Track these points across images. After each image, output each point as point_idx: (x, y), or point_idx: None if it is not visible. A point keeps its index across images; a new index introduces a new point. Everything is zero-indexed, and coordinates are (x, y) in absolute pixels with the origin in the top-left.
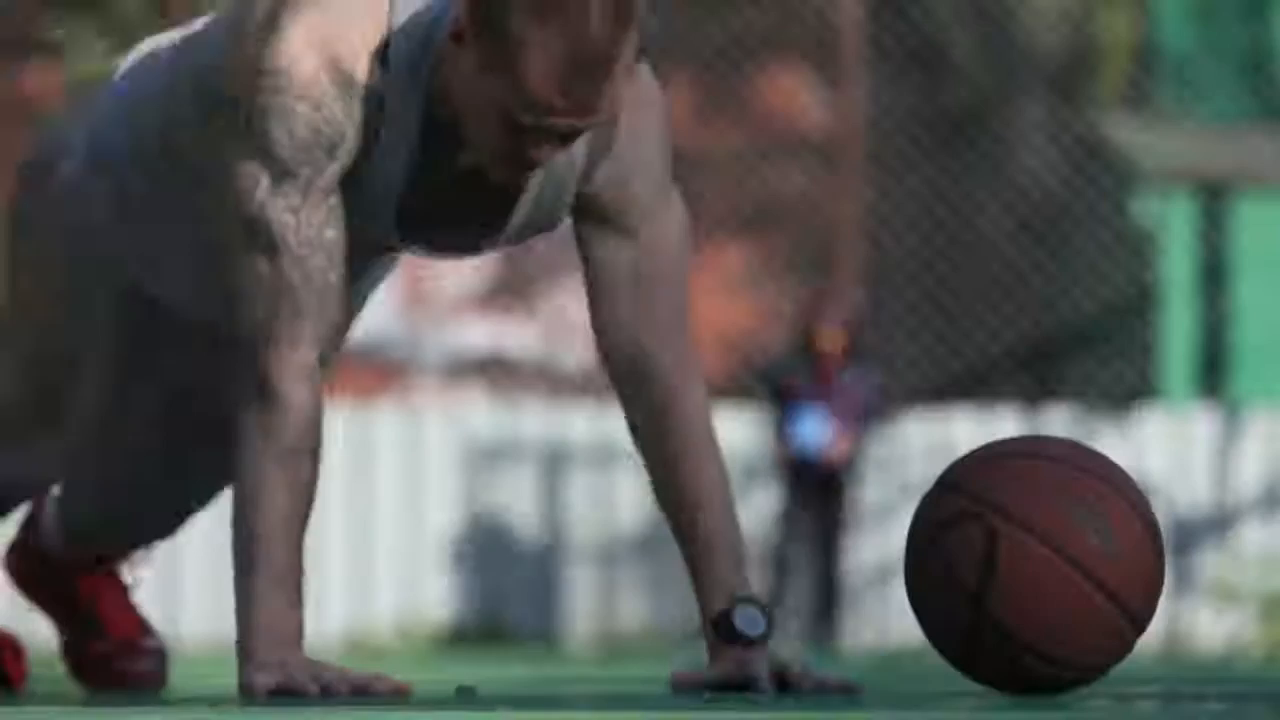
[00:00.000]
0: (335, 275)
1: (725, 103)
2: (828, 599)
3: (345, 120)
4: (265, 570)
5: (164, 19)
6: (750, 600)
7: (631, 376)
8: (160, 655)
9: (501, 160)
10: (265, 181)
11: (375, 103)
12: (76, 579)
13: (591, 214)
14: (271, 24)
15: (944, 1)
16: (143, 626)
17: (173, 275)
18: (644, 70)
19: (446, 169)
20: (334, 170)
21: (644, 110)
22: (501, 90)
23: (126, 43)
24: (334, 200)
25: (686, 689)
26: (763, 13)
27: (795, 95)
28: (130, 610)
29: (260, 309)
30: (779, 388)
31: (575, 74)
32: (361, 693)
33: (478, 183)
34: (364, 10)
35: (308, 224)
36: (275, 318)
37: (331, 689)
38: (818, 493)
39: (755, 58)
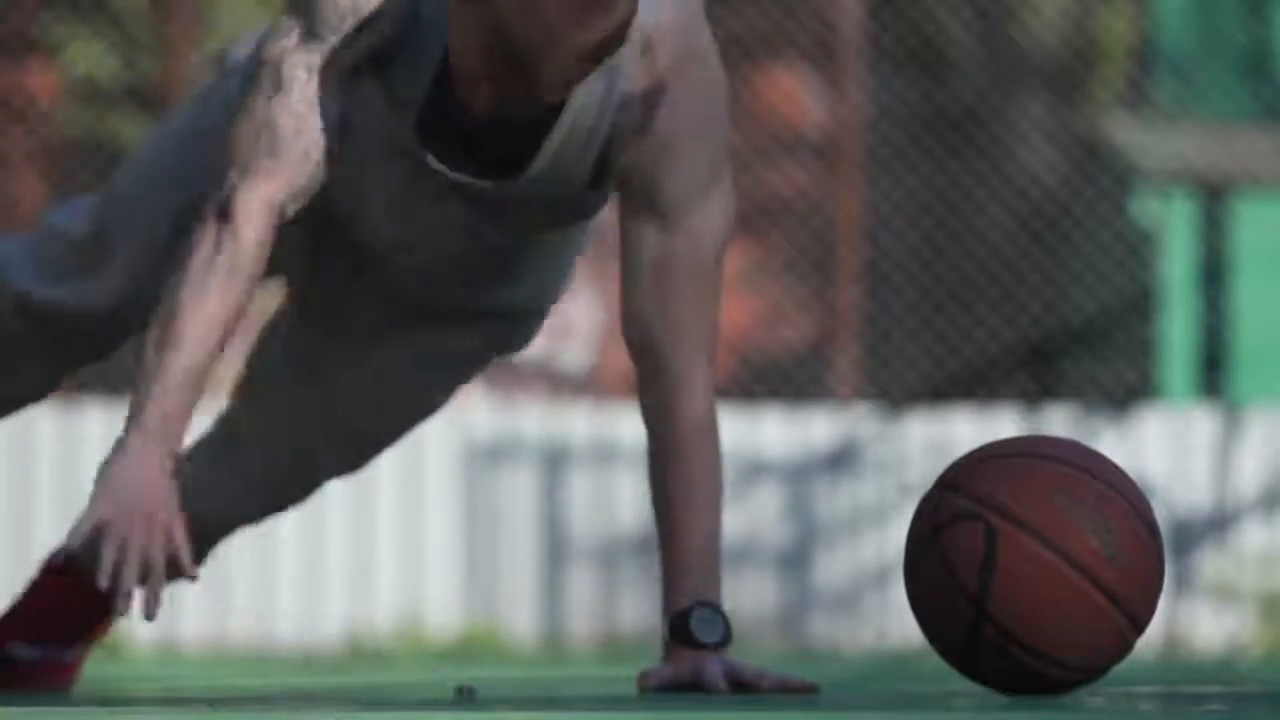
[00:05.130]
0: (320, 149)
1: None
2: None
3: (383, 2)
4: (171, 373)
5: (164, 19)
6: (710, 605)
7: (643, 362)
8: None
9: (462, 96)
10: (294, 36)
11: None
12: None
13: (625, 192)
14: None
15: (944, 1)
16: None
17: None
18: (705, 56)
19: (461, 96)
20: (361, 48)
21: (694, 95)
22: (460, 31)
23: (125, 42)
24: (354, 83)
25: (646, 689)
26: (762, 12)
27: (795, 95)
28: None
29: (244, 139)
30: None
31: (516, 48)
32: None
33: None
34: None
35: (319, 89)
36: (255, 150)
37: (141, 551)
38: None
39: (755, 57)
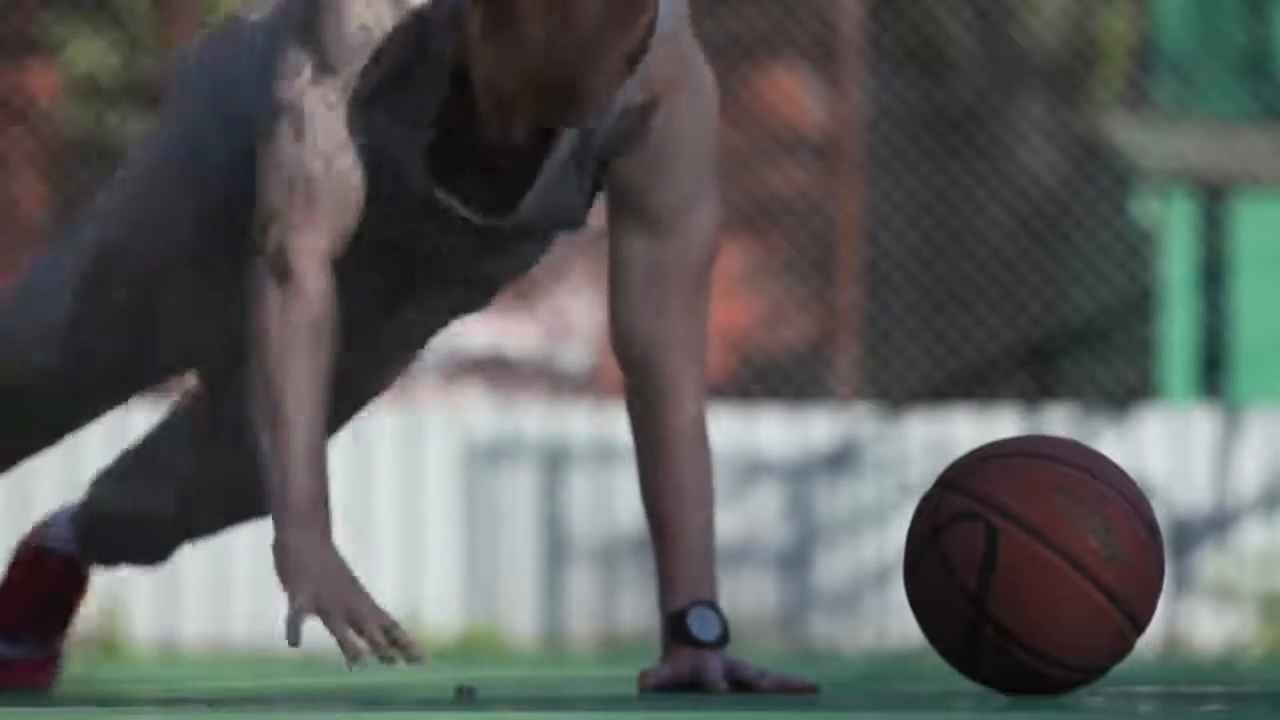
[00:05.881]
0: (356, 181)
1: (725, 102)
2: None
3: (394, 29)
4: (295, 446)
5: (165, 17)
6: (708, 604)
7: (635, 372)
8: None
9: (490, 127)
10: (307, 71)
11: (420, 28)
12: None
13: (617, 202)
14: None
15: (944, 1)
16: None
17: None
18: (696, 65)
19: (466, 124)
20: (373, 77)
21: (686, 106)
22: (494, 59)
23: (126, 41)
24: (367, 113)
25: (646, 688)
26: (762, 12)
27: (795, 95)
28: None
29: (277, 193)
30: None
31: (566, 52)
32: (389, 644)
33: (496, 144)
34: None
35: (341, 123)
36: (292, 202)
37: (359, 622)
38: None
39: (754, 57)
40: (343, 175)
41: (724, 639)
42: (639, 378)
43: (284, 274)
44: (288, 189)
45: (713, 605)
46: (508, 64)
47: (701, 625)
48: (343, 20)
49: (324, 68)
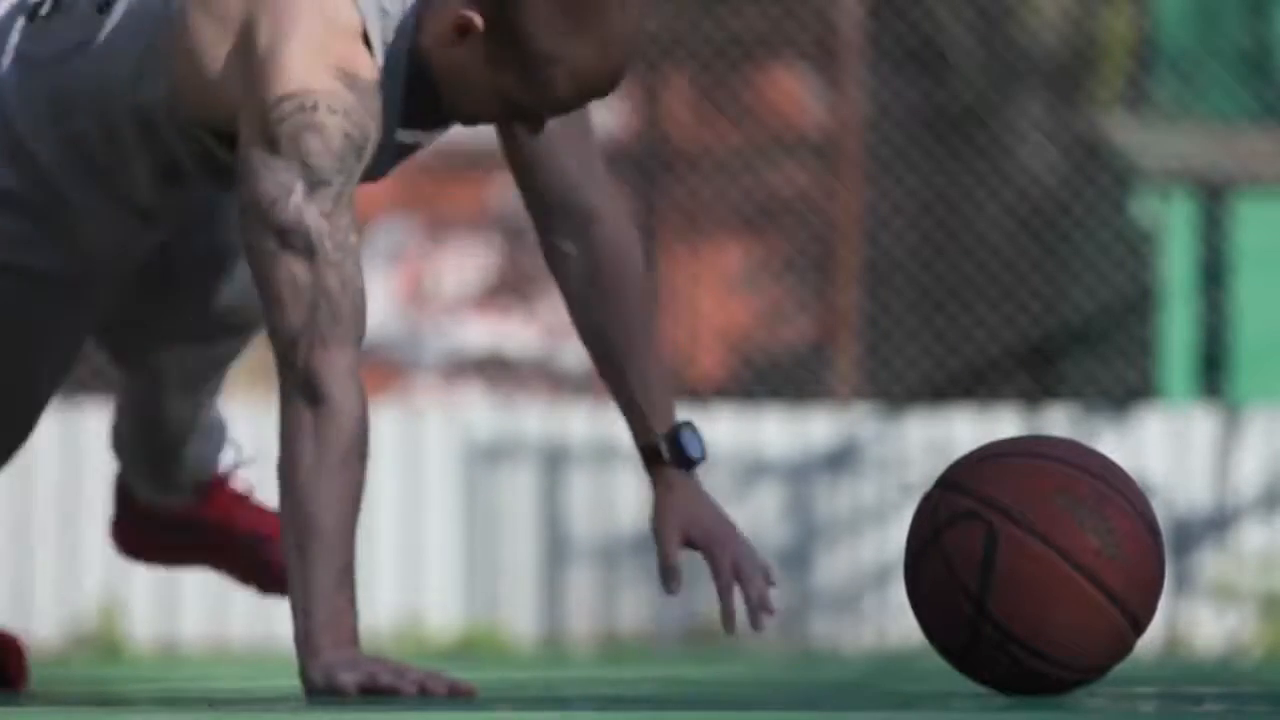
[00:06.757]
0: (362, 279)
1: (725, 102)
2: None
3: (368, 119)
4: (325, 571)
5: None
6: (689, 424)
7: (560, 210)
8: None
9: (483, 120)
10: (299, 190)
11: (378, 92)
12: (199, 514)
13: None
14: (264, 51)
15: (944, 1)
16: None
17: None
18: None
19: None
20: (359, 170)
21: None
22: (515, 85)
23: None
24: (353, 203)
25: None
26: (762, 12)
27: (795, 95)
28: (258, 507)
29: (298, 314)
30: None
31: (601, 80)
32: (455, 693)
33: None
34: (335, 10)
35: (339, 229)
36: (317, 322)
37: (427, 688)
38: None
39: (754, 57)
40: (353, 277)
41: (704, 454)
42: (563, 217)
43: (317, 396)
44: (309, 310)
45: (692, 424)
46: (539, 82)
47: (692, 444)
48: (329, 139)
49: (316, 184)
